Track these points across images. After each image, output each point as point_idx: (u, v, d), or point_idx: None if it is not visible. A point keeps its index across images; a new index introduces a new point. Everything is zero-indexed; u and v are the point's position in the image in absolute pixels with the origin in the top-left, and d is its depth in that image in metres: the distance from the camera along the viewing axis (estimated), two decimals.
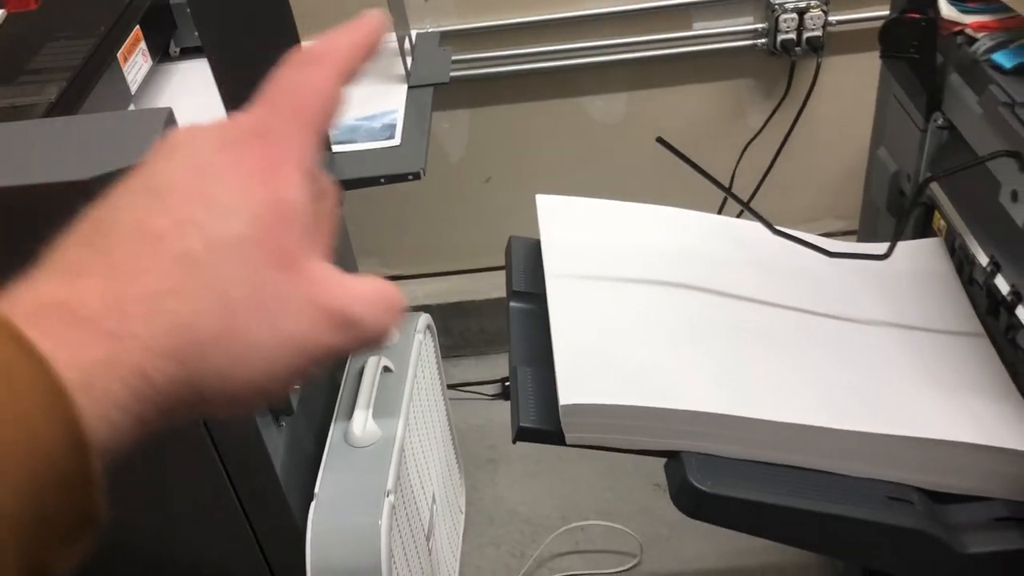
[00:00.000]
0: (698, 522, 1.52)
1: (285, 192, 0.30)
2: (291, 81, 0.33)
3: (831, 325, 0.79)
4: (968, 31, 0.79)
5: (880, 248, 0.78)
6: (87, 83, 0.87)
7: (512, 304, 0.81)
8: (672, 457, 0.69)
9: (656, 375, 0.68)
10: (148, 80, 1.01)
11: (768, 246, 0.86)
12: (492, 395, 1.82)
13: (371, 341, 0.32)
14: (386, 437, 1.11)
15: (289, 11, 0.81)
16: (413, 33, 1.06)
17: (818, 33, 1.51)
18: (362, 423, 1.10)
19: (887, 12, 1.52)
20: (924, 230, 0.94)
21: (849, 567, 1.31)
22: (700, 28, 1.55)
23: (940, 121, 0.84)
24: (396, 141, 0.90)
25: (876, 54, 1.54)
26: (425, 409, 1.30)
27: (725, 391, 0.68)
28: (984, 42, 0.77)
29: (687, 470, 0.66)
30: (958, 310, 0.84)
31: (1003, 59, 0.75)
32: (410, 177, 0.86)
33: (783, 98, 1.57)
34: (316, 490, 1.05)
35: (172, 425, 0.29)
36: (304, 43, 0.82)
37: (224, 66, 0.84)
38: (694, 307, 0.76)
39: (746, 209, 0.77)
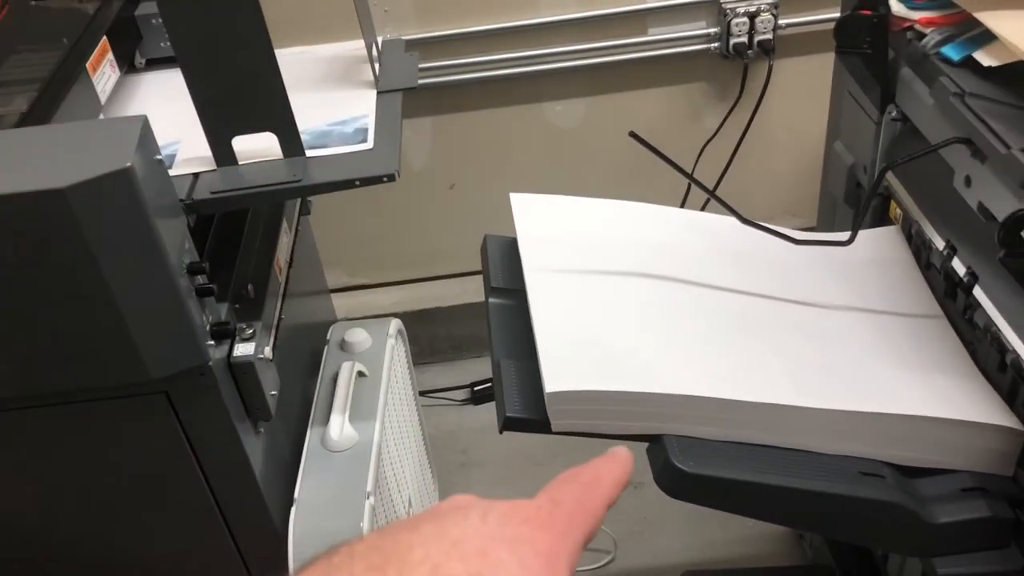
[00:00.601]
0: (669, 518, 1.55)
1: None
2: (577, 490, 0.36)
3: (799, 310, 0.82)
4: (917, 26, 0.83)
5: (843, 236, 0.81)
6: (58, 93, 0.87)
7: (491, 300, 0.83)
8: (654, 441, 0.71)
9: (638, 361, 0.70)
10: (116, 91, 1.02)
11: (735, 237, 0.89)
12: (462, 400, 1.83)
13: None
14: (363, 441, 1.11)
15: (261, 19, 0.82)
16: (379, 40, 1.08)
17: (769, 36, 1.56)
18: (339, 427, 1.11)
19: (834, 15, 1.57)
20: (881, 218, 0.97)
21: (819, 553, 1.34)
22: (655, 33, 1.59)
23: (894, 113, 0.88)
24: (369, 145, 0.92)
25: (825, 55, 1.58)
26: (399, 413, 1.31)
27: (704, 375, 0.70)
28: (933, 36, 0.81)
29: (669, 452, 0.68)
30: (917, 294, 0.87)
31: (951, 52, 0.79)
32: (384, 179, 0.87)
33: (737, 100, 1.62)
34: (296, 494, 1.06)
35: None
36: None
37: (196, 75, 0.85)
38: (669, 296, 0.79)
39: (714, 199, 0.80)
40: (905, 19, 0.83)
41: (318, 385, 1.20)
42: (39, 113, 0.83)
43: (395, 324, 1.32)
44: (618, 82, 1.64)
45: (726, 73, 1.62)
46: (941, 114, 0.78)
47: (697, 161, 1.64)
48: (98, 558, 1.06)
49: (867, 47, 0.83)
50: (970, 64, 0.78)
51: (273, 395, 1.00)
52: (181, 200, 0.87)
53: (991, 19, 0.76)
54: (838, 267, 0.88)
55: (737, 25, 1.55)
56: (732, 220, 0.91)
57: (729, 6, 1.55)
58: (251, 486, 1.01)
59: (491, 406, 1.86)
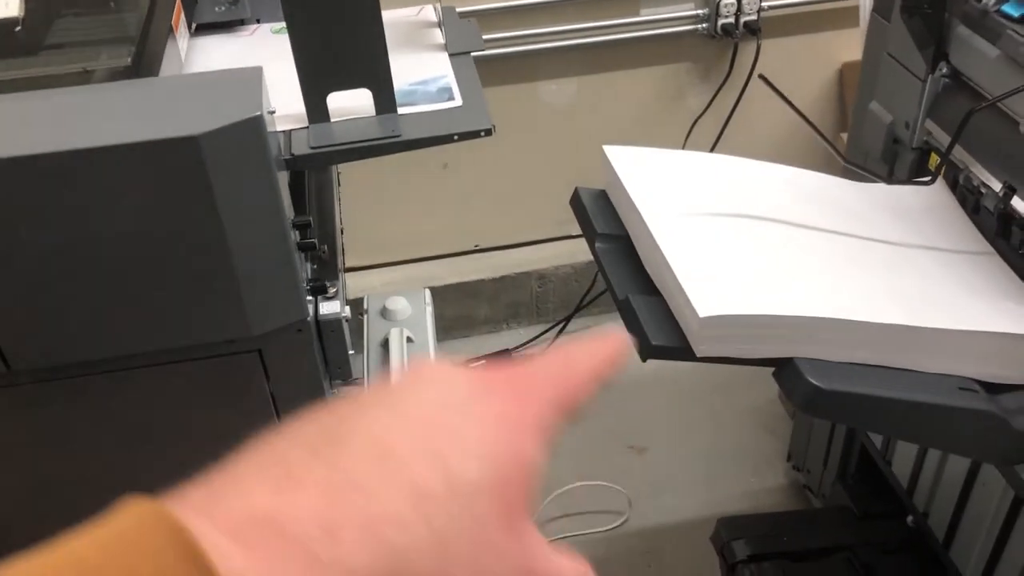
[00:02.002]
0: (676, 479, 1.61)
1: (528, 448, 0.30)
2: (553, 363, 0.33)
3: (879, 247, 0.89)
4: None
5: (924, 179, 0.89)
6: (155, 49, 0.86)
7: (598, 245, 0.87)
8: (782, 365, 0.76)
9: (775, 288, 0.76)
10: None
11: (810, 186, 0.96)
12: None
13: None
14: None
15: None
16: (437, 7, 1.10)
17: (754, 17, 1.65)
18: None
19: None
20: (919, 170, 1.06)
21: (830, 500, 1.43)
22: (648, 14, 1.66)
23: (945, 70, 0.96)
24: (458, 102, 0.94)
25: (806, 36, 1.68)
26: None
27: (834, 300, 0.76)
28: None
29: (805, 372, 0.74)
30: (969, 234, 0.96)
31: (1011, 9, 0.87)
32: (482, 134, 0.90)
33: (726, 78, 1.70)
34: None
35: None
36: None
37: (302, 28, 0.86)
38: (776, 234, 0.84)
39: (826, 141, 0.86)
40: None
41: (366, 351, 1.21)
42: (146, 68, 0.82)
43: (428, 294, 1.34)
44: (611, 61, 1.70)
45: (713, 52, 1.70)
46: (1007, 65, 0.86)
47: (688, 136, 1.71)
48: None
49: (927, 7, 0.91)
50: None
51: (352, 354, 1.01)
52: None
53: None
54: (900, 213, 0.96)
55: (726, 6, 1.63)
56: (803, 170, 0.98)
57: None
58: None
59: None
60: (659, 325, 0.76)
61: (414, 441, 0.27)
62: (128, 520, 0.24)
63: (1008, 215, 0.91)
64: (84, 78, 0.83)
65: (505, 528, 0.28)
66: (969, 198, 0.98)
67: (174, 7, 0.94)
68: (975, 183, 0.95)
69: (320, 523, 0.25)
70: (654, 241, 0.79)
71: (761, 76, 0.85)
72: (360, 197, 1.77)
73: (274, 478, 0.26)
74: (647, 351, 0.75)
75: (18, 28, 0.90)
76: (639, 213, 0.82)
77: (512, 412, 0.30)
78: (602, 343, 0.35)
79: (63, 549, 0.23)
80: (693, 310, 0.72)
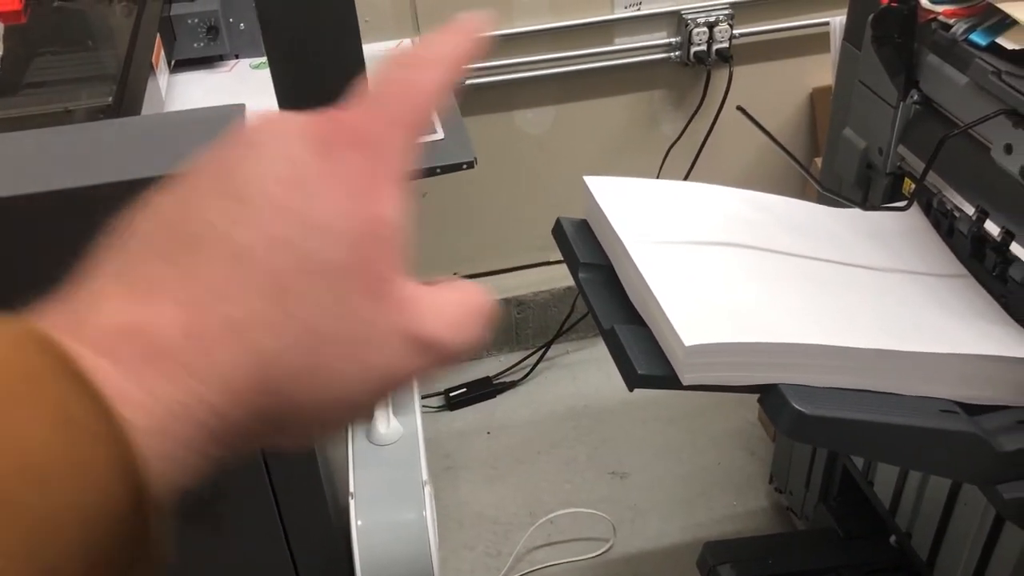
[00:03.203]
0: (657, 504, 1.62)
1: (385, 210, 0.28)
2: (395, 83, 0.30)
3: (858, 272, 0.91)
4: (941, 18, 0.93)
5: (899, 204, 0.91)
6: (136, 87, 0.86)
7: (581, 275, 0.87)
8: (766, 391, 0.77)
9: (758, 315, 0.77)
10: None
11: (787, 212, 0.97)
12: (437, 407, 1.85)
13: (455, 360, 0.30)
14: (408, 433, 1.13)
15: (354, 10, 0.85)
16: (416, 40, 1.11)
17: (726, 44, 1.67)
18: (385, 421, 1.12)
19: (784, 25, 1.70)
20: (893, 195, 1.08)
21: (813, 522, 1.44)
22: (621, 43, 1.68)
23: (916, 97, 0.98)
24: (439, 135, 0.95)
25: (776, 63, 1.71)
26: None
27: (816, 327, 0.77)
28: (960, 25, 0.91)
29: (789, 398, 0.74)
30: (943, 257, 0.97)
31: (979, 38, 0.89)
32: (464, 166, 0.91)
33: (699, 105, 1.72)
34: (352, 488, 1.06)
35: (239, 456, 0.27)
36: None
37: (284, 64, 0.86)
38: (756, 261, 0.85)
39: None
40: (930, 12, 0.94)
41: None
42: (127, 106, 0.83)
43: None
44: (586, 90, 1.71)
45: (686, 80, 1.73)
46: (976, 92, 0.88)
47: (663, 163, 1.73)
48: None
49: (897, 37, 0.93)
50: (993, 48, 0.89)
51: None
52: None
53: (1010, 8, 0.88)
54: (877, 238, 0.97)
55: (698, 34, 1.65)
56: (780, 197, 0.99)
57: (690, 16, 1.65)
58: (315, 482, 1.01)
59: (468, 411, 1.90)
60: (645, 354, 0.77)
61: (264, 230, 0.26)
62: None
63: (981, 238, 0.92)
64: (66, 118, 0.83)
65: (375, 299, 0.27)
66: (943, 222, 0.99)
67: (154, 44, 0.94)
68: (948, 207, 0.97)
69: (187, 333, 0.24)
70: (637, 271, 0.80)
71: (739, 108, 0.86)
72: None
73: (131, 287, 0.25)
74: (634, 380, 0.75)
75: None
76: (622, 243, 0.83)
77: (361, 171, 0.28)
78: (448, 33, 0.32)
79: None
80: (679, 339, 0.73)
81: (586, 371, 1.90)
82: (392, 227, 0.28)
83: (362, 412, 0.29)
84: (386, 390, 0.28)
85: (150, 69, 0.91)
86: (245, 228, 0.26)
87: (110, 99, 0.83)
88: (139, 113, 0.83)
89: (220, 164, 0.28)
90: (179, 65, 1.09)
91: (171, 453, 0.24)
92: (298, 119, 0.29)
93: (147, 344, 0.24)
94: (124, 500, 0.23)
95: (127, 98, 0.83)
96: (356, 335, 0.27)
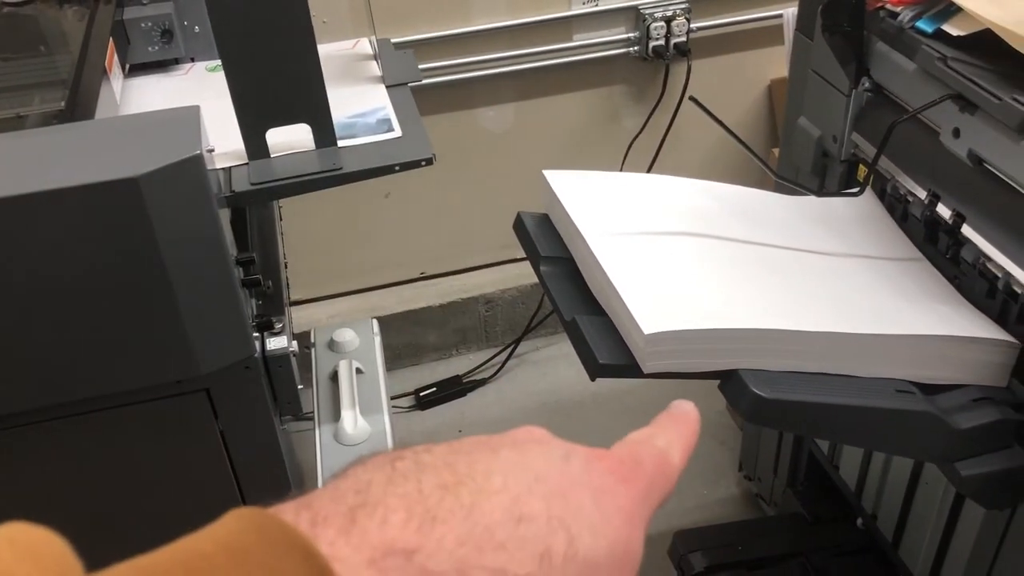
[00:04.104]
0: None
1: (637, 541, 0.30)
2: (656, 454, 0.34)
3: (811, 258, 0.92)
4: (888, 6, 0.95)
5: (852, 190, 0.92)
6: (89, 92, 0.86)
7: (542, 268, 0.88)
8: (726, 377, 0.78)
9: (716, 302, 0.78)
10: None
11: (740, 201, 0.98)
12: (408, 407, 1.85)
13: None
14: (376, 432, 1.13)
15: (307, 10, 0.85)
16: (373, 39, 1.11)
17: (683, 39, 1.69)
18: (352, 421, 1.12)
19: (738, 18, 1.72)
20: (848, 182, 1.09)
21: (783, 507, 1.45)
22: (580, 39, 1.69)
23: (867, 85, 1.00)
24: (398, 133, 0.95)
25: (734, 56, 1.72)
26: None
27: (773, 312, 0.78)
28: (907, 13, 0.93)
29: (749, 383, 0.75)
30: (898, 241, 0.99)
31: (925, 25, 0.91)
32: (423, 163, 0.91)
33: (659, 100, 1.73)
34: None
35: None
36: None
37: (238, 66, 0.86)
38: (712, 249, 0.86)
39: (756, 159, 0.89)
40: (878, 0, 0.95)
41: (315, 385, 1.20)
42: (80, 110, 0.82)
43: (375, 323, 1.34)
44: (546, 86, 1.72)
45: (645, 74, 1.74)
46: (924, 78, 0.89)
47: (625, 157, 1.74)
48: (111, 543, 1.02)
49: (847, 25, 0.95)
50: (939, 35, 0.91)
51: (301, 388, 1.00)
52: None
53: None
54: (832, 224, 0.99)
55: (656, 29, 1.67)
56: (737, 187, 1.01)
57: (647, 11, 1.66)
58: (282, 485, 1.01)
59: (439, 410, 1.90)
60: (606, 344, 0.77)
61: (550, 510, 0.28)
62: (242, 525, 0.24)
63: (934, 221, 0.94)
64: (18, 123, 0.82)
65: None
66: (897, 206, 1.01)
67: (107, 48, 0.93)
68: (902, 192, 0.99)
69: (458, 566, 0.25)
70: (597, 262, 0.81)
71: (692, 98, 0.87)
72: (303, 230, 1.76)
73: (414, 512, 0.26)
74: (595, 370, 0.76)
75: None
76: (581, 235, 0.84)
77: (627, 496, 0.31)
78: (685, 429, 0.37)
79: (182, 545, 0.24)
80: (638, 328, 0.73)
81: (556, 367, 1.91)
82: (636, 558, 0.31)
83: None
84: None
85: (103, 73, 0.90)
86: (533, 499, 0.28)
87: (63, 104, 0.82)
88: (92, 118, 0.83)
89: (511, 442, 0.30)
90: (134, 69, 1.09)
91: None
92: (573, 444, 0.32)
93: (419, 567, 0.25)
94: None
95: (80, 102, 0.83)
96: None
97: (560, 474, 0.29)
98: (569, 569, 0.27)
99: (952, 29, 0.90)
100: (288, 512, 0.26)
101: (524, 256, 0.94)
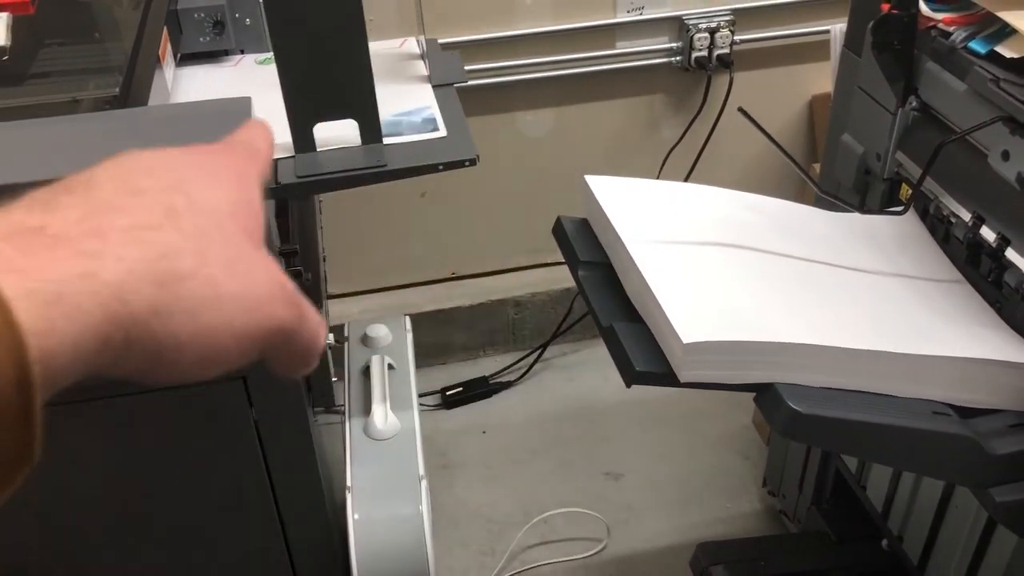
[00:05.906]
0: (652, 505, 1.63)
1: (251, 193, 0.35)
2: (250, 131, 0.41)
3: (852, 275, 0.91)
4: (940, 26, 0.94)
5: (896, 209, 0.92)
6: (143, 79, 0.87)
7: (581, 273, 0.88)
8: (762, 390, 0.78)
9: (756, 315, 0.77)
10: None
11: (782, 215, 0.98)
12: (434, 406, 1.86)
13: (308, 336, 0.34)
14: (406, 428, 1.14)
15: (360, 6, 0.86)
16: (421, 39, 1.12)
17: (727, 50, 1.68)
18: (383, 416, 1.13)
19: (784, 32, 1.71)
20: (891, 200, 1.09)
21: (806, 525, 1.44)
22: (623, 47, 1.69)
23: (914, 104, 0.99)
24: (443, 132, 0.96)
25: (776, 69, 1.72)
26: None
27: (812, 327, 0.78)
28: (959, 33, 0.92)
29: (785, 397, 0.75)
30: (939, 262, 0.98)
31: (978, 46, 0.91)
32: (467, 163, 0.91)
33: (699, 111, 1.73)
34: (348, 483, 1.07)
35: (120, 375, 0.29)
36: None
37: (290, 59, 0.87)
38: (754, 262, 0.86)
39: (803, 173, 0.89)
40: (929, 19, 0.95)
41: (347, 378, 1.21)
42: (134, 97, 0.83)
43: (408, 321, 1.35)
44: (587, 92, 1.72)
45: (687, 84, 1.74)
46: (975, 99, 0.89)
47: (663, 166, 1.74)
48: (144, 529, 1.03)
49: (897, 44, 0.94)
50: (992, 57, 0.90)
51: (334, 380, 1.01)
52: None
53: (1010, 17, 0.89)
54: (874, 242, 0.98)
55: (699, 40, 1.67)
56: (778, 200, 1.00)
57: (691, 22, 1.66)
58: (312, 475, 1.02)
59: (464, 409, 1.90)
60: (643, 352, 0.78)
61: (160, 180, 0.31)
62: None
63: (977, 244, 0.93)
64: (72, 107, 0.83)
65: (253, 245, 0.33)
66: (939, 227, 1.00)
67: (161, 37, 0.95)
68: (945, 213, 0.98)
69: (85, 229, 0.28)
70: (637, 268, 0.81)
71: (740, 109, 0.87)
72: (339, 224, 1.78)
73: (32, 206, 0.29)
74: (632, 377, 0.76)
75: (4, 57, 0.90)
76: (621, 241, 0.84)
77: (231, 164, 0.36)
78: (262, 127, 0.42)
79: None
80: (677, 336, 0.73)
81: (582, 372, 1.91)
82: (257, 206, 0.35)
83: (239, 345, 0.31)
84: (260, 331, 0.32)
85: (157, 61, 0.91)
86: (142, 178, 0.31)
87: (117, 90, 0.84)
88: (146, 104, 0.84)
89: (109, 161, 0.33)
90: (184, 59, 1.10)
91: (70, 331, 0.26)
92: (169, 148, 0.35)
93: (46, 235, 0.27)
94: (7, 389, 0.24)
95: (134, 89, 0.84)
96: (238, 262, 0.31)
97: (164, 163, 0.33)
98: (198, 218, 0.31)
99: (1005, 51, 0.89)
100: None
101: (554, 260, 0.94)
